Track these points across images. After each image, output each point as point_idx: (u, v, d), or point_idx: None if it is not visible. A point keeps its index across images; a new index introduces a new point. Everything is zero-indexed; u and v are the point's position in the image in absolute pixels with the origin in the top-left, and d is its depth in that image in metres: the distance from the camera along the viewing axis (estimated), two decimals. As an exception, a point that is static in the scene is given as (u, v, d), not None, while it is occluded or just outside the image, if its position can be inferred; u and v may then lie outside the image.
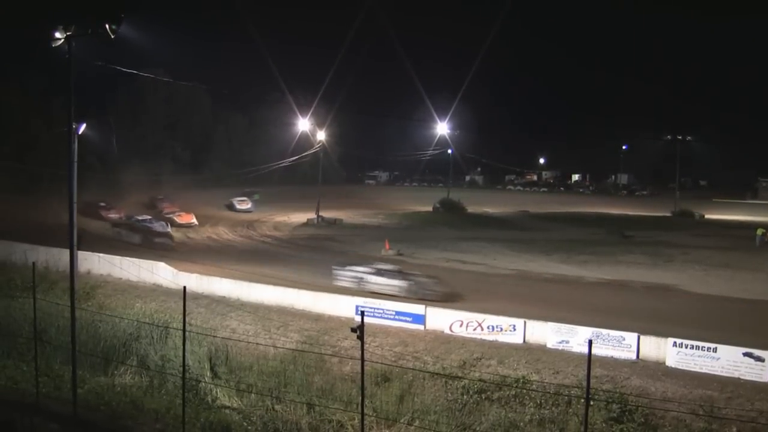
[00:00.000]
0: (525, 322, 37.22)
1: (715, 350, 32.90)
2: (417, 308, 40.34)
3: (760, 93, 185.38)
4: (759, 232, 79.89)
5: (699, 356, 33.10)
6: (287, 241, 76.60)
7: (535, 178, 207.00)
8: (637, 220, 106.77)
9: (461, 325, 38.45)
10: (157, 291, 46.95)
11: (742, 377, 31.86)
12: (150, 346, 33.93)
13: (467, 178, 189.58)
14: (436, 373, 31.82)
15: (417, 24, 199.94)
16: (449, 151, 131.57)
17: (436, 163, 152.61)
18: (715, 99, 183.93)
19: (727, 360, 32.53)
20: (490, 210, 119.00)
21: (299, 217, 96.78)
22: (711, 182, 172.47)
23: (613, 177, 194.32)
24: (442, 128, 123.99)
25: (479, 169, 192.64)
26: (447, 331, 38.64)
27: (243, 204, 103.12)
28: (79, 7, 27.88)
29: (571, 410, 27.49)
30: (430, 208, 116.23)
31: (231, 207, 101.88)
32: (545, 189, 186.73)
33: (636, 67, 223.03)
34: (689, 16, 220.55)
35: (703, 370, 32.65)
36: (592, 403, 25.10)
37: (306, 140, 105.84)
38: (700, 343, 33.34)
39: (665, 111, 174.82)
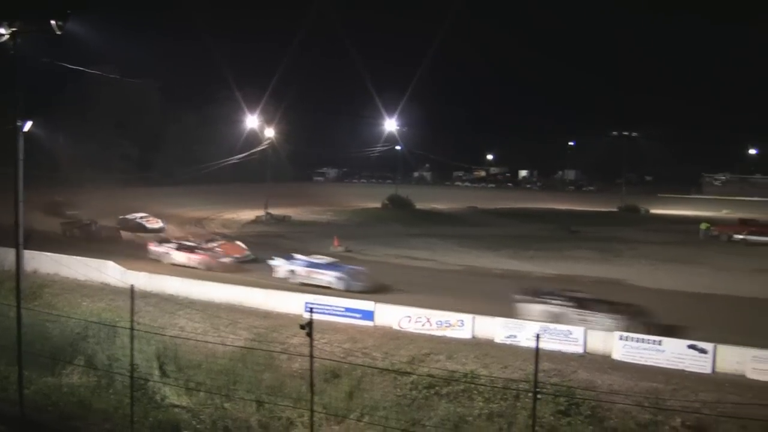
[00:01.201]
0: (473, 318, 37.55)
1: (660, 343, 33.57)
2: (366, 305, 40.45)
3: (706, 89, 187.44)
4: (703, 226, 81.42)
5: (644, 349, 33.74)
6: (236, 239, 76.22)
7: (483, 174, 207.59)
8: (585, 215, 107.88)
9: (410, 321, 38.67)
10: (105, 290, 46.41)
11: (686, 369, 32.56)
12: (98, 346, 33.75)
13: (416, 174, 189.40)
14: (386, 369, 31.96)
15: (367, 21, 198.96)
16: (398, 147, 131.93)
17: (385, 160, 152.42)
18: (661, 95, 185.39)
19: (672, 352, 33.23)
20: (439, 206, 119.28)
21: (248, 215, 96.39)
22: (657, 178, 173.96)
23: (561, 173, 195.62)
24: (391, 125, 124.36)
25: (428, 165, 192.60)
26: (396, 327, 38.82)
27: (153, 222, 79.47)
28: (25, 3, 27.71)
29: (519, 404, 27.79)
30: (379, 205, 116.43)
31: (139, 227, 76.27)
32: (493, 185, 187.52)
33: (584, 63, 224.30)
34: (638, 10, 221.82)
35: (649, 363, 33.32)
36: (540, 396, 25.42)
37: (257, 138, 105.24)
38: (646, 336, 34.04)
39: (612, 107, 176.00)
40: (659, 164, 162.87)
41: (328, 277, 48.19)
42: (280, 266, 51.44)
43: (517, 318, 38.20)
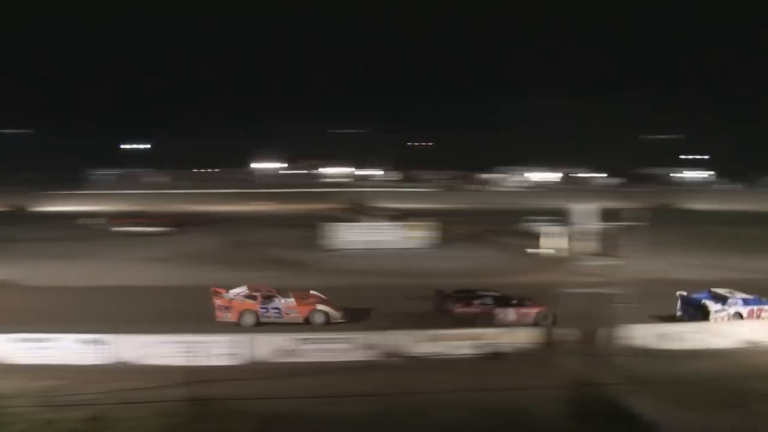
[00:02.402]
0: None
1: (56, 340, 33.64)
2: None
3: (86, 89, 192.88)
4: (94, 220, 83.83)
5: (43, 348, 33.50)
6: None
7: None
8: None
9: None
10: None
11: (86, 362, 32.90)
12: None
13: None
14: None
15: None
16: None
17: None
18: (46, 93, 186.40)
19: (70, 348, 33.46)
20: None
21: None
22: (52, 175, 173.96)
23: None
24: None
25: None
26: None
27: None
28: None
29: None
30: None
31: None
32: None
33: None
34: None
35: (49, 362, 32.84)
36: None
37: None
38: (42, 335, 33.77)
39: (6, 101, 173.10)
40: (53, 161, 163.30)
41: None
42: None
43: None
